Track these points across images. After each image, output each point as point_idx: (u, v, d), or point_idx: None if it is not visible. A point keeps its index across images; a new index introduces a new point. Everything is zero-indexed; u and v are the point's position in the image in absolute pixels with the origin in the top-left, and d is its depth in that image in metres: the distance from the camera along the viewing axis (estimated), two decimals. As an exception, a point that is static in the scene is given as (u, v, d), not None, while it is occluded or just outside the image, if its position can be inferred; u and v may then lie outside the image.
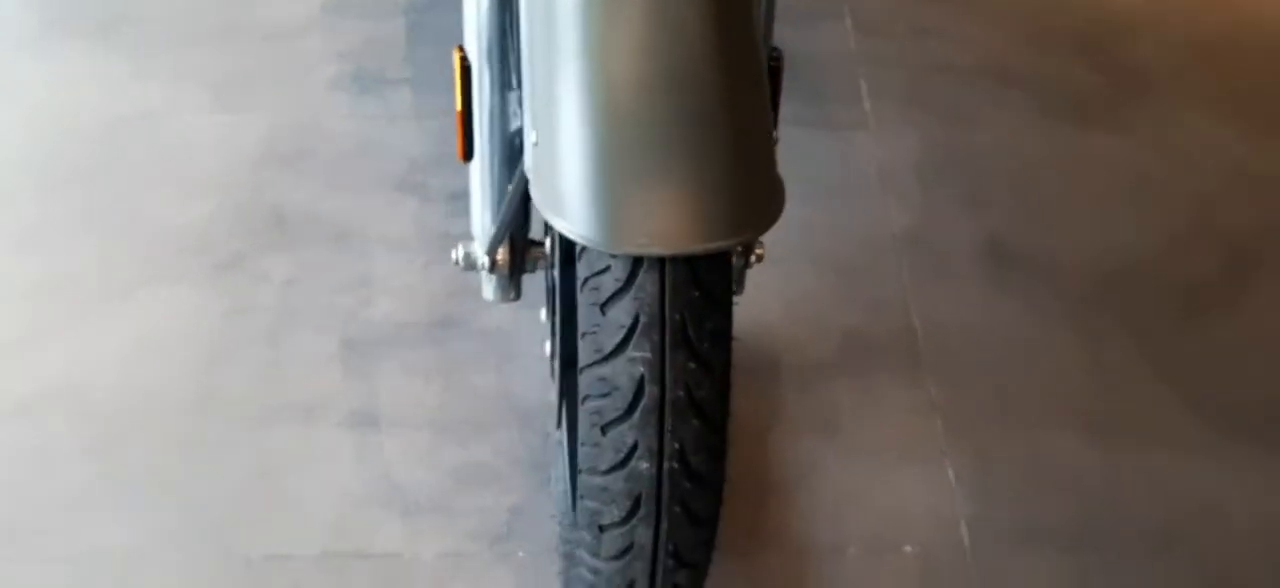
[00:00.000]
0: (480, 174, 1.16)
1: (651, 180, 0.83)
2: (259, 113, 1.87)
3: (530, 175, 0.89)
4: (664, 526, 0.91)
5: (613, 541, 0.93)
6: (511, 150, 1.14)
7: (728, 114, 0.86)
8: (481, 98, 1.13)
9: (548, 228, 1.12)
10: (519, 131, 1.13)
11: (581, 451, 0.92)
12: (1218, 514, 1.49)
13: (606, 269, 0.87)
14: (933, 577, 1.41)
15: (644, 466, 0.89)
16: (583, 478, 0.93)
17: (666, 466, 0.89)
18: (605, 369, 0.88)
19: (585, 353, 0.89)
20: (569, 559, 1.07)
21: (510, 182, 1.14)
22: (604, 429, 0.89)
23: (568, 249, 0.97)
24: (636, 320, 0.86)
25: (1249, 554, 1.46)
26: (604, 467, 0.90)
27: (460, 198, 1.73)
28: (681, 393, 0.87)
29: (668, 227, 0.83)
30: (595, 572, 0.97)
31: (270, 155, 1.81)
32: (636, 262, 0.85)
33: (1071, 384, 1.62)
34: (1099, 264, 1.76)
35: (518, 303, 1.29)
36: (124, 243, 1.70)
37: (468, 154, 1.15)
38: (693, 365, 0.87)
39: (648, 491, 0.89)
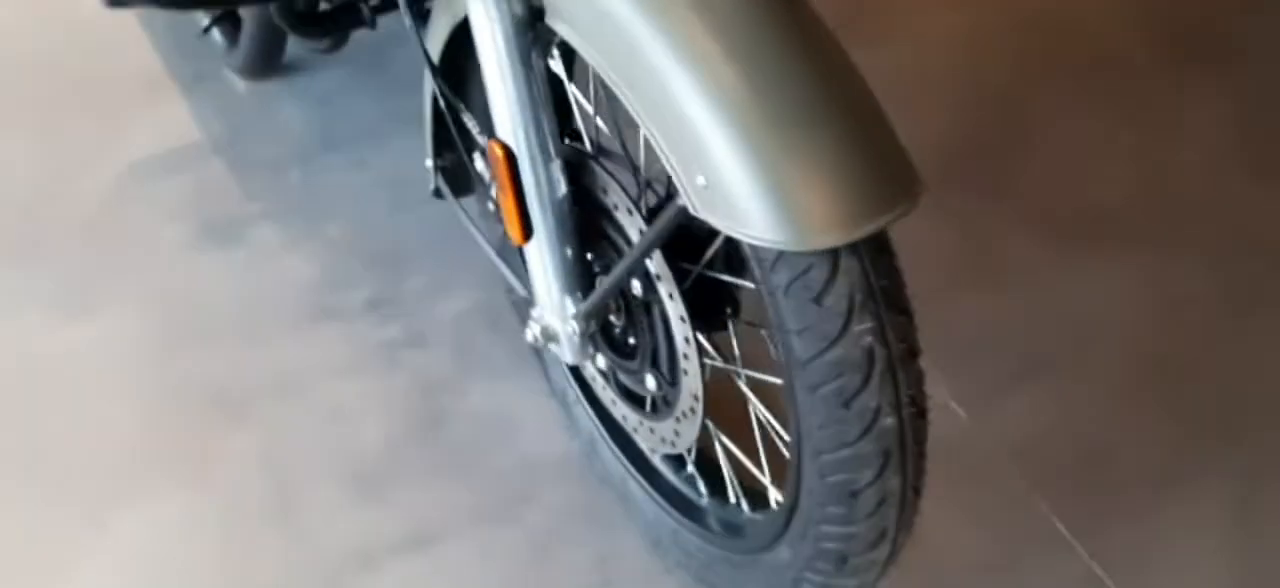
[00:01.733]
0: (543, 248, 1.18)
1: (829, 175, 0.92)
2: (127, 306, 1.75)
3: (706, 212, 0.94)
4: (909, 467, 1.02)
5: (867, 500, 1.02)
6: (564, 216, 1.17)
7: (855, 95, 0.96)
8: (530, 178, 1.15)
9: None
10: (566, 197, 1.17)
11: (821, 434, 0.99)
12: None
13: (809, 267, 0.95)
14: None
15: (888, 422, 0.98)
16: (824, 459, 1.01)
17: (904, 413, 0.99)
18: (835, 353, 0.96)
19: (806, 346, 0.97)
20: (808, 547, 1.13)
21: (567, 246, 1.18)
22: (847, 404, 0.98)
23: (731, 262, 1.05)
24: (852, 300, 0.95)
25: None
26: (852, 437, 0.99)
27: (380, 304, 1.75)
28: (901, 344, 0.98)
29: (856, 210, 0.92)
30: (849, 537, 1.05)
31: (166, 343, 1.70)
32: (834, 249, 0.94)
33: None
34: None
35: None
36: (69, 478, 1.55)
37: (527, 234, 1.17)
38: (901, 317, 0.98)
39: (894, 442, 0.99)
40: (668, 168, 0.97)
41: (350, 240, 1.83)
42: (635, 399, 1.35)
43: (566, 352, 1.25)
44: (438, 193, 1.49)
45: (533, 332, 1.25)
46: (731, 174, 0.92)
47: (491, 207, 1.29)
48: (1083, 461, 1.59)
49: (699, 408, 1.18)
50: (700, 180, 0.95)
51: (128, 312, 1.73)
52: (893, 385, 0.98)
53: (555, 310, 1.22)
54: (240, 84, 2.10)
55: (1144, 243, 1.81)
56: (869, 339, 0.96)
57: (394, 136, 2.00)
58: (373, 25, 1.47)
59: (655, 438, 1.30)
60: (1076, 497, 1.54)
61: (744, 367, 1.20)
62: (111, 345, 1.70)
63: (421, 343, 1.70)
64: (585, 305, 1.19)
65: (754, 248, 0.99)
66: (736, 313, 1.21)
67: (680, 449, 1.27)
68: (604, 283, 1.16)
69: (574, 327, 1.21)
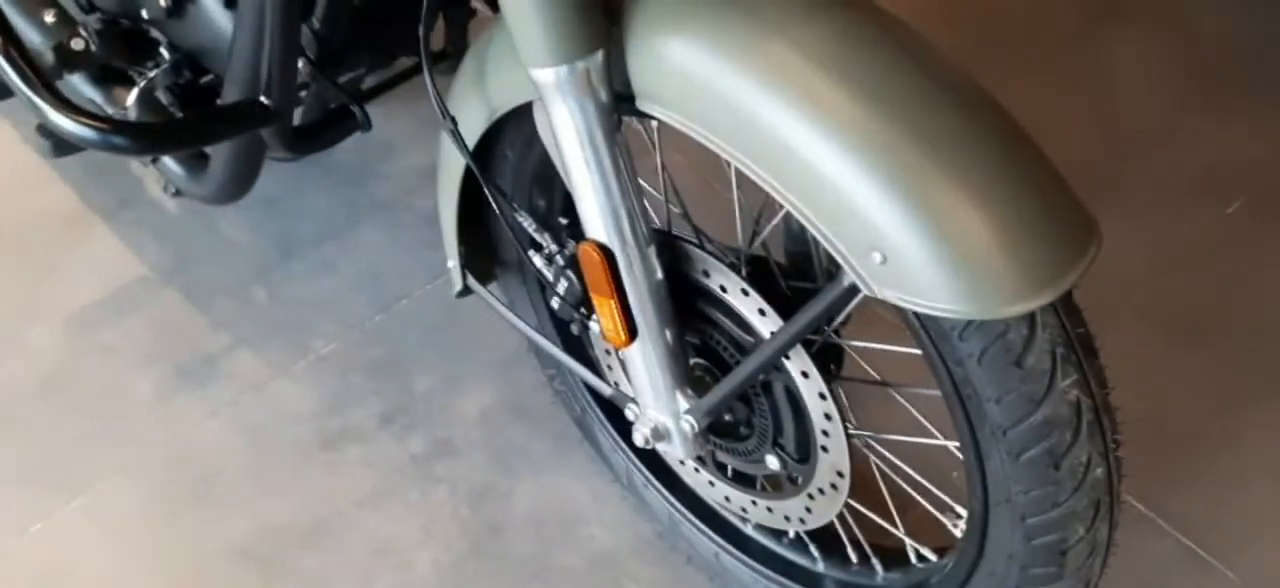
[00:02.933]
0: (648, 345, 1.08)
1: (1021, 232, 0.85)
2: (115, 475, 1.55)
3: (887, 291, 0.86)
4: (1116, 510, 0.96)
5: (1077, 553, 0.96)
6: (664, 305, 1.07)
7: (1015, 137, 0.89)
8: (631, 276, 1.04)
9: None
10: (663, 285, 1.07)
11: (1026, 499, 0.93)
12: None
13: (1005, 331, 0.88)
14: None
15: (1098, 472, 0.92)
16: (1031, 523, 0.94)
17: (1111, 459, 0.93)
18: (1042, 413, 0.89)
19: (1008, 412, 0.90)
20: None
21: (669, 334, 1.08)
22: (1057, 464, 0.91)
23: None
24: (1054, 355, 0.88)
25: None
26: (1064, 497, 0.92)
27: (394, 416, 1.61)
28: (1103, 390, 0.91)
29: (1053, 264, 0.85)
30: (1056, 595, 0.99)
31: (171, 509, 1.52)
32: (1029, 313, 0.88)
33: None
34: None
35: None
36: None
37: (633, 335, 1.06)
38: (1096, 361, 0.92)
39: (1104, 491, 0.93)
40: (830, 249, 0.89)
41: (342, 353, 1.68)
42: (742, 479, 1.27)
43: (681, 448, 1.15)
44: (465, 291, 1.37)
45: (641, 433, 1.14)
46: (915, 247, 0.84)
47: (558, 303, 1.18)
48: (1131, 431, 1.58)
49: (843, 484, 1.10)
50: (876, 258, 0.86)
51: (118, 482, 1.54)
52: (1100, 434, 0.92)
53: (665, 408, 1.12)
54: (170, 203, 1.91)
55: (1121, 196, 1.81)
56: (1075, 393, 0.90)
57: (358, 230, 1.85)
58: (369, 126, 1.33)
59: (776, 518, 1.22)
60: (1142, 471, 1.53)
61: (875, 430, 1.13)
62: (110, 525, 1.50)
63: (451, 451, 1.57)
64: (707, 402, 1.09)
65: (930, 317, 0.91)
66: (839, 371, 1.13)
67: (811, 526, 1.19)
68: (734, 377, 1.06)
69: (690, 424, 1.11)
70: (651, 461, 1.42)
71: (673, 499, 1.41)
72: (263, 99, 1.14)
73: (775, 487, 1.26)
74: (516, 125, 1.18)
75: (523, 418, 1.60)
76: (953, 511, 1.10)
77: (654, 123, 1.00)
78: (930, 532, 1.17)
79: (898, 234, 0.85)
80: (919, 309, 0.86)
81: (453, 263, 1.35)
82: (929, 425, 1.10)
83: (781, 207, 0.92)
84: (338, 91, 1.27)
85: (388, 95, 2.08)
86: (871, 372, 1.17)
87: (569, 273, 1.14)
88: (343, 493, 1.53)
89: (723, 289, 1.08)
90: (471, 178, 1.25)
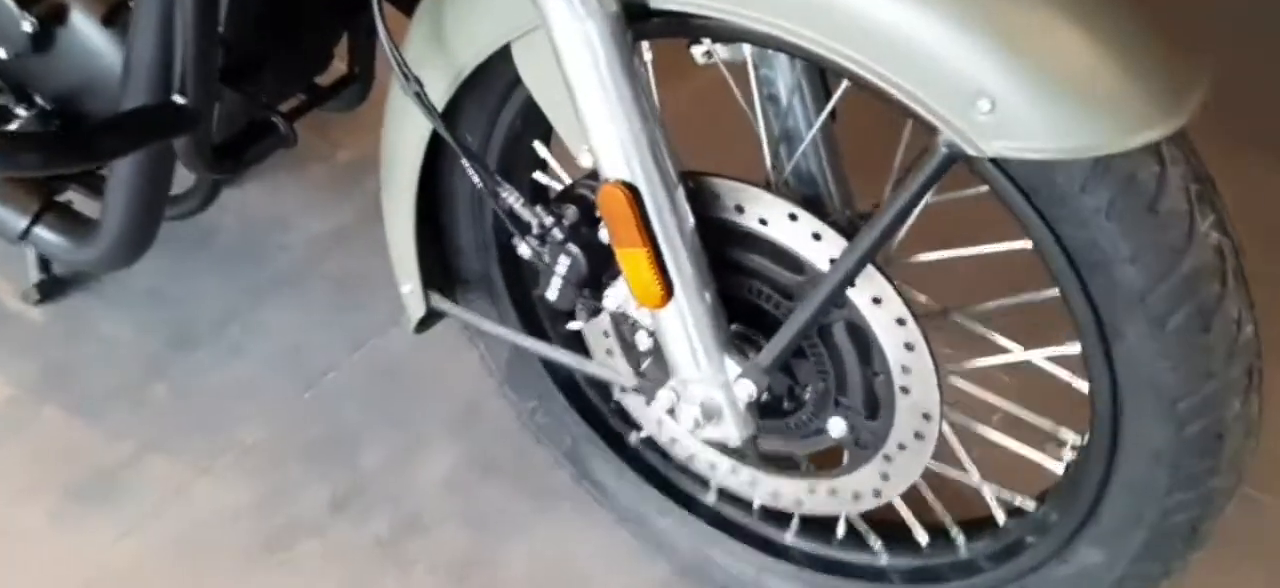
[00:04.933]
0: (684, 305, 0.91)
1: (1131, 58, 0.73)
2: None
3: (998, 142, 0.72)
4: (1262, 380, 0.83)
5: (1234, 436, 0.82)
6: (700, 257, 0.91)
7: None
8: (661, 219, 0.88)
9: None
10: (695, 232, 0.91)
11: (1173, 377, 0.78)
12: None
13: (1133, 173, 0.75)
14: None
15: (1249, 331, 0.79)
16: (1182, 406, 0.80)
17: (1254, 315, 0.80)
18: (1187, 263, 0.76)
19: (1148, 271, 0.76)
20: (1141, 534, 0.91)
21: (708, 293, 0.91)
22: (1207, 325, 0.77)
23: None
24: (1189, 193, 0.76)
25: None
26: (1218, 363, 0.78)
27: (347, 499, 1.38)
28: (1235, 232, 0.79)
29: (1169, 90, 0.73)
30: (1209, 496, 0.83)
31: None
32: (1154, 147, 0.75)
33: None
34: None
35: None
36: None
37: (669, 291, 0.90)
38: (1222, 200, 0.80)
39: (1253, 354, 0.80)
40: (920, 110, 0.75)
41: (272, 440, 1.44)
42: (781, 466, 1.10)
43: (735, 425, 0.97)
44: (427, 321, 1.18)
45: (690, 415, 0.97)
46: (1027, 85, 0.72)
47: (557, 291, 1.00)
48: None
49: (931, 431, 0.94)
50: (981, 107, 0.73)
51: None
52: (1244, 284, 0.79)
53: (713, 377, 0.95)
54: (33, 312, 1.64)
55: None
56: (1216, 235, 0.77)
57: (263, 308, 1.62)
58: (295, 140, 1.14)
59: (840, 499, 1.05)
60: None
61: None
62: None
63: (420, 526, 1.34)
64: (765, 357, 0.93)
65: (1043, 178, 0.78)
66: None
67: (886, 498, 1.03)
68: (796, 319, 0.90)
69: (748, 388, 0.94)
70: (665, 485, 1.24)
71: (696, 523, 1.23)
72: (176, 98, 0.94)
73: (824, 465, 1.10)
74: (479, 95, 1.03)
75: (495, 474, 1.39)
76: (1053, 441, 0.96)
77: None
78: (1022, 477, 1.02)
79: (1006, 74, 0.72)
80: (1039, 156, 0.73)
81: (409, 287, 1.16)
82: (1005, 342, 0.96)
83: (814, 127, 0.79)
84: (254, 103, 1.08)
85: (272, 170, 1.89)
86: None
87: (570, 247, 0.97)
88: (299, 593, 1.29)
89: (763, 223, 0.92)
90: (426, 180, 1.08)
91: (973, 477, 1.02)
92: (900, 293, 0.88)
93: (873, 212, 0.95)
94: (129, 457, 1.43)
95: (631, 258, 0.89)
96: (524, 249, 1.00)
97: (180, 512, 1.37)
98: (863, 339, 0.94)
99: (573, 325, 1.18)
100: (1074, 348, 0.87)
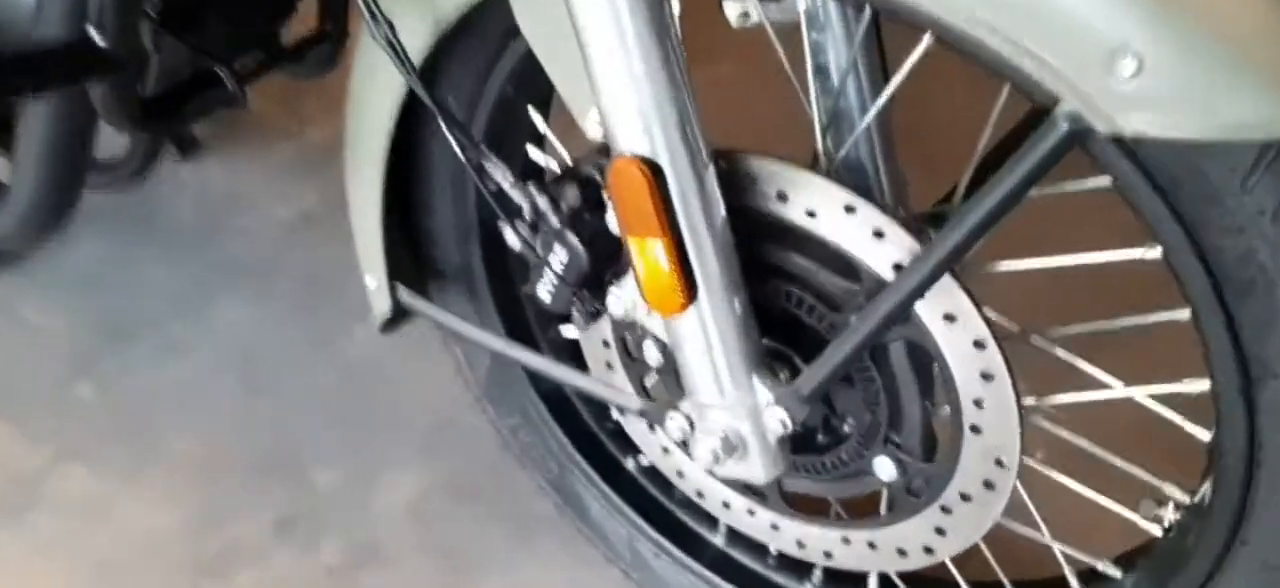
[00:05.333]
0: (715, 309, 0.74)
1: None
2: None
3: (1135, 120, 0.55)
4: None
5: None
6: (731, 255, 0.74)
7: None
8: (687, 204, 0.71)
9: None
10: (727, 225, 0.73)
11: None
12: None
13: None
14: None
15: None
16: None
17: None
18: None
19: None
20: None
21: (738, 300, 0.74)
22: None
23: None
24: None
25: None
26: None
27: (293, 522, 1.20)
28: None
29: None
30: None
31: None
32: None
33: None
34: None
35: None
36: None
37: (692, 292, 0.72)
38: None
39: None
40: (1043, 75, 0.58)
41: (209, 452, 1.26)
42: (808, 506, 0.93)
43: (762, 464, 0.80)
44: (394, 320, 1.00)
45: (706, 448, 0.79)
46: (1184, 43, 0.55)
47: (551, 290, 0.83)
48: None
49: (1005, 480, 0.77)
50: (1124, 69, 0.56)
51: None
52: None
53: (739, 402, 0.78)
54: (-50, 296, 1.47)
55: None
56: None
57: (214, 302, 1.43)
58: (244, 101, 0.96)
59: (881, 555, 0.88)
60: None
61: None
62: None
63: (379, 556, 1.16)
64: (807, 382, 0.75)
65: (1190, 168, 0.61)
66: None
67: (941, 557, 0.86)
68: (851, 337, 0.72)
69: (783, 419, 0.77)
70: (665, 522, 1.07)
71: (700, 569, 1.06)
72: (92, 33, 0.76)
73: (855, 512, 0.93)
74: (465, 48, 0.85)
75: (467, 500, 1.21)
76: (1152, 497, 0.79)
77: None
78: (1102, 537, 0.85)
79: (1158, 28, 0.55)
80: (1196, 136, 0.56)
81: (374, 280, 0.99)
82: (1102, 375, 0.79)
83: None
84: (196, 52, 0.90)
85: (233, 147, 1.71)
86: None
87: (569, 236, 0.79)
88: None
89: (810, 215, 0.75)
90: (400, 151, 0.91)
91: (1042, 534, 0.86)
92: (981, 311, 0.71)
93: (942, 210, 0.79)
94: (45, 464, 1.24)
95: (646, 250, 0.72)
96: (512, 238, 0.82)
97: (100, 530, 1.18)
98: (926, 365, 0.77)
99: (567, 332, 1.01)
100: (1193, 386, 0.70)
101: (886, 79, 0.81)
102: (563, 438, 1.08)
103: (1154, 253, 0.66)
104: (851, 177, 0.83)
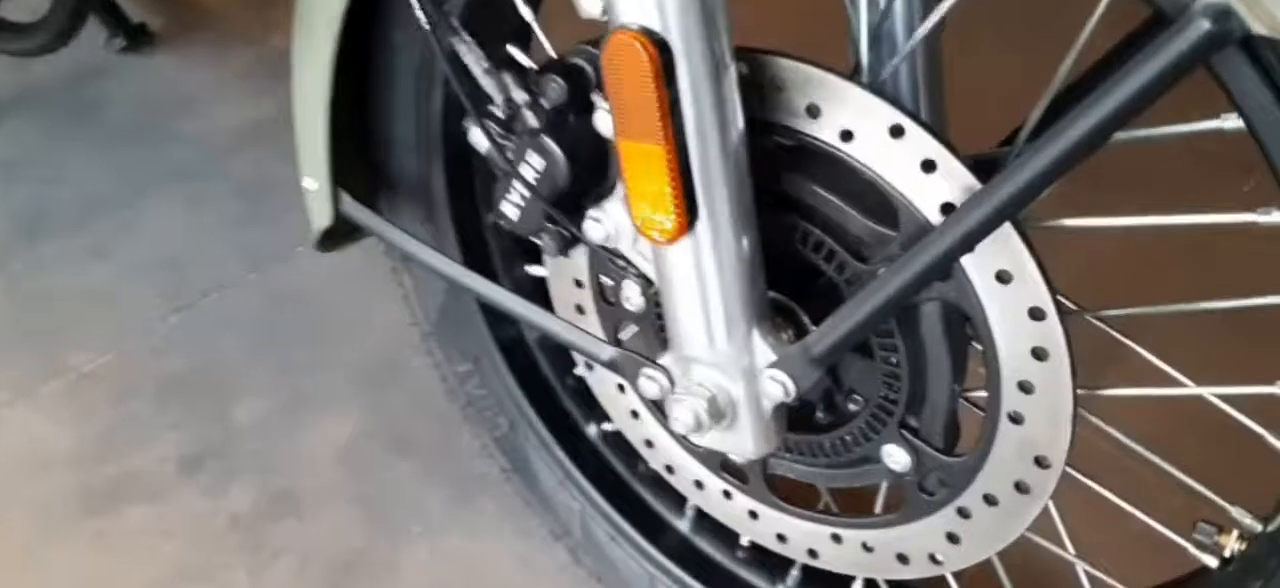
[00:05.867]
0: (711, 245, 0.61)
1: None
2: None
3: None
4: None
5: None
6: (745, 180, 0.61)
7: None
8: (698, 101, 0.57)
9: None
10: (744, 143, 0.60)
11: None
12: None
13: None
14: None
15: None
16: None
17: None
18: None
19: None
20: None
21: (747, 238, 0.61)
22: None
23: None
24: None
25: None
26: None
27: (201, 460, 1.07)
28: None
29: None
30: None
31: None
32: None
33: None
34: None
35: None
36: None
37: (692, 214, 0.59)
38: None
39: None
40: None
41: (118, 369, 1.11)
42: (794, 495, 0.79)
43: (752, 438, 0.68)
44: (335, 234, 0.86)
45: (686, 412, 0.66)
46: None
47: (520, 206, 0.70)
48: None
49: (1047, 482, 0.65)
50: None
51: None
52: None
53: (733, 360, 0.65)
54: None
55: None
56: None
57: (144, 204, 1.29)
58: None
59: (878, 559, 0.75)
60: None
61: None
62: None
63: (296, 507, 1.02)
64: (819, 343, 0.62)
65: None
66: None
67: (951, 568, 0.73)
68: (884, 284, 0.60)
69: (783, 385, 0.64)
70: (626, 499, 0.94)
71: (658, 556, 0.93)
72: None
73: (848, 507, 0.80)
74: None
75: (403, 452, 1.08)
76: (1214, 521, 0.67)
77: None
78: (1138, 560, 0.73)
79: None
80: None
81: (313, 182, 0.84)
82: (1173, 371, 0.66)
83: None
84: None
85: (189, 44, 1.56)
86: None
87: (546, 141, 0.66)
88: (123, 581, 0.97)
89: (846, 138, 0.62)
90: (358, 34, 0.77)
91: (1067, 551, 0.73)
92: (1045, 272, 0.59)
93: (999, 153, 0.66)
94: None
95: (641, 158, 0.58)
96: (479, 138, 0.69)
97: (-16, 447, 1.05)
98: (961, 334, 0.65)
99: (535, 272, 0.87)
100: (1285, 391, 0.58)
101: (938, -1, 0.69)
102: (517, 392, 0.95)
103: (1270, 218, 0.54)
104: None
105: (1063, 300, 0.64)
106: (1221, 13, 0.45)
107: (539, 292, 0.88)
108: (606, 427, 0.93)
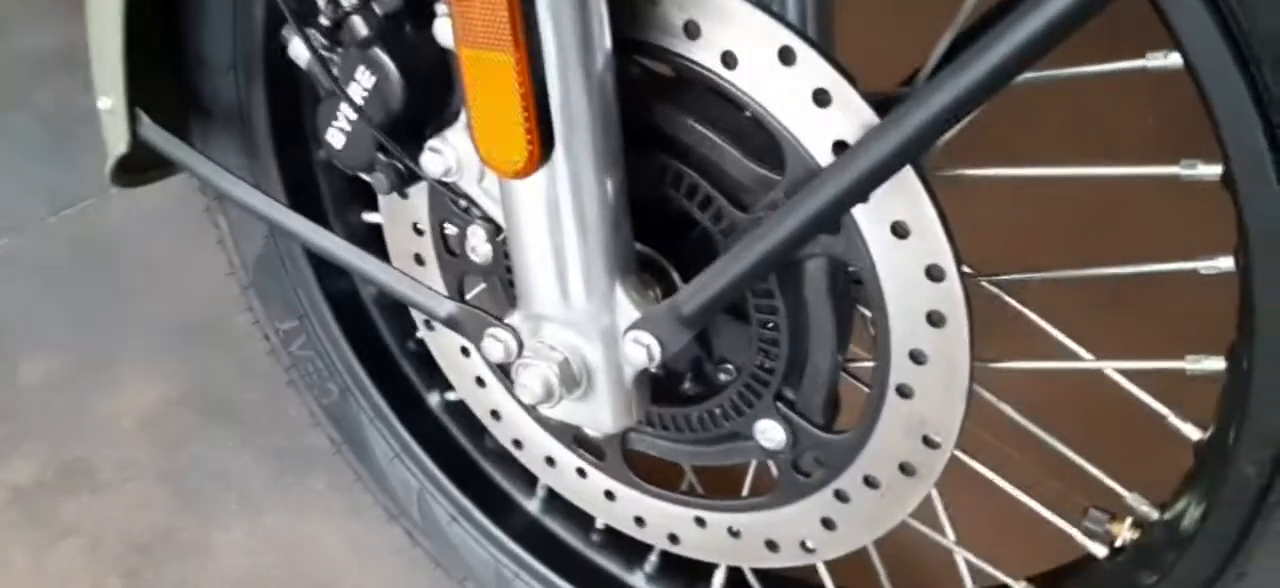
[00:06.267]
0: (569, 180, 0.52)
1: None
2: None
3: None
4: None
5: None
6: (612, 107, 0.52)
7: None
8: (558, 10, 0.48)
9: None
10: (609, 52, 0.51)
11: None
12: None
13: None
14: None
15: None
16: None
17: None
18: None
19: None
20: None
21: (612, 178, 0.52)
22: None
23: None
24: None
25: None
26: None
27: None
28: None
29: None
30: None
31: None
32: None
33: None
34: None
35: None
36: None
37: (548, 144, 0.50)
38: None
39: None
40: None
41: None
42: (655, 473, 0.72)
43: (609, 409, 0.59)
44: (134, 167, 0.74)
45: (535, 379, 0.58)
46: None
47: (345, 135, 0.60)
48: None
49: (937, 461, 0.58)
50: None
51: None
52: None
53: (591, 318, 0.56)
54: None
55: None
56: None
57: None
58: None
59: (746, 546, 0.68)
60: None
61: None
62: None
63: (85, 480, 0.90)
64: (694, 297, 0.54)
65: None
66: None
67: (824, 556, 0.66)
68: (764, 234, 0.52)
69: (647, 348, 0.56)
70: (470, 475, 0.85)
71: (504, 539, 0.85)
72: None
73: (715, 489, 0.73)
74: None
75: (222, 421, 0.96)
76: (1106, 510, 0.62)
77: None
78: (1019, 548, 0.68)
79: None
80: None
81: (108, 100, 0.73)
82: (1072, 344, 0.61)
83: None
84: None
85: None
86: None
87: (378, 53, 0.56)
88: None
89: (728, 63, 0.54)
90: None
91: (946, 537, 0.68)
92: (948, 226, 0.52)
93: (900, 92, 0.59)
94: None
95: (487, 70, 0.49)
96: (299, 50, 0.59)
97: None
98: (848, 297, 0.58)
99: (371, 216, 0.78)
100: (1199, 363, 0.53)
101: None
102: (349, 354, 0.85)
103: (1193, 171, 0.48)
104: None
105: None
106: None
107: (376, 241, 0.78)
108: (449, 396, 0.85)
